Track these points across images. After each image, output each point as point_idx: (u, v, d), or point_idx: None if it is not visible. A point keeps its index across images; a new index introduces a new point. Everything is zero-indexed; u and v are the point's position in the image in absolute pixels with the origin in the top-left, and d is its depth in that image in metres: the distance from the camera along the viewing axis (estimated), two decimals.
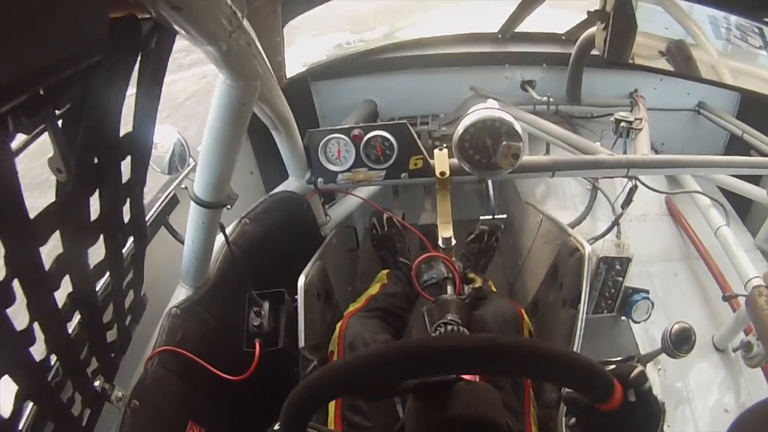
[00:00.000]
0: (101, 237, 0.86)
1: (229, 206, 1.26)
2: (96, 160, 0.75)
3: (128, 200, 0.94)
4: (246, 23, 0.98)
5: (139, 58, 0.74)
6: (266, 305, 1.38)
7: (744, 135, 2.51)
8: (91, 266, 0.87)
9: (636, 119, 2.16)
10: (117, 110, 0.73)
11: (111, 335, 1.07)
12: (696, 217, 2.37)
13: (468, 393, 0.79)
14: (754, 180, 2.35)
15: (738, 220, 2.50)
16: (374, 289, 1.71)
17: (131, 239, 1.08)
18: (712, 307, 2.12)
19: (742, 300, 1.79)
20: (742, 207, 2.58)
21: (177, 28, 0.75)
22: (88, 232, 0.81)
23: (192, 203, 1.22)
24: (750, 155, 2.41)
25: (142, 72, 0.77)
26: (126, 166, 0.87)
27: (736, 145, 2.66)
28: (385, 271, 1.84)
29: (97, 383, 1.03)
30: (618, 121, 2.13)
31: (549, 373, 0.72)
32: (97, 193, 0.80)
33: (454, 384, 0.78)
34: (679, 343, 1.31)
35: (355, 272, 2.31)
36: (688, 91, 2.72)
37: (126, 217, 0.96)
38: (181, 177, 1.62)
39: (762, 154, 2.37)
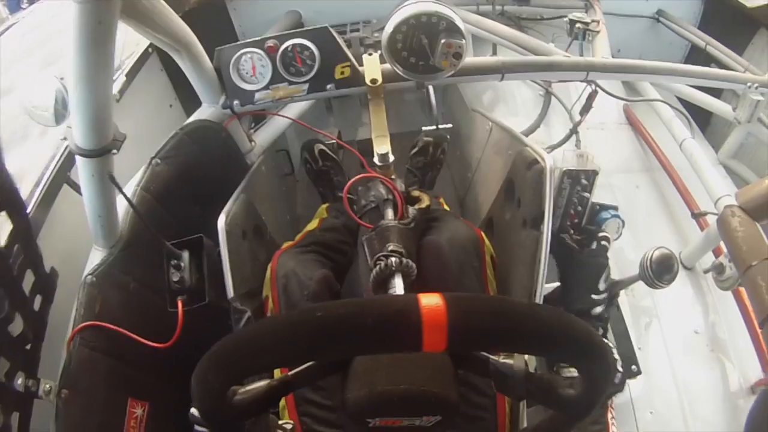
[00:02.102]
0: None
1: (115, 150, 1.06)
2: None
3: None
4: None
5: None
6: (185, 256, 1.21)
7: (707, 47, 2.41)
8: None
9: (593, 21, 2.01)
10: None
11: (17, 327, 0.98)
12: (657, 128, 2.28)
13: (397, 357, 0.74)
14: (715, 93, 2.26)
15: (700, 134, 2.43)
16: (312, 225, 1.53)
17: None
18: (677, 223, 2.06)
19: (711, 219, 1.72)
20: (701, 121, 2.51)
21: None
22: None
23: (76, 156, 1.03)
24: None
25: None
26: None
27: (696, 58, 2.56)
28: (325, 205, 1.66)
29: (18, 382, 0.93)
30: (573, 22, 1.98)
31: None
32: None
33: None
34: (661, 271, 1.22)
35: (294, 199, 2.16)
36: None
37: None
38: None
39: (723, 67, 2.27)
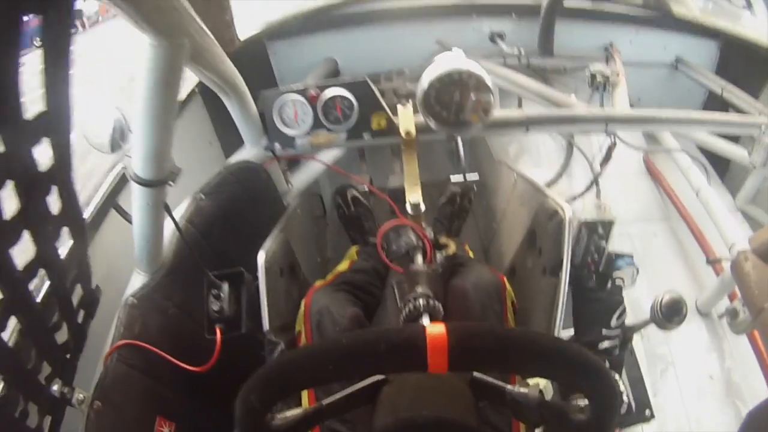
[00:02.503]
0: (25, 234, 0.78)
1: (171, 182, 1.14)
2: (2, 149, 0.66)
3: (55, 189, 0.85)
4: None
5: (39, 22, 0.65)
6: (225, 287, 1.27)
7: (724, 92, 2.43)
8: (21, 267, 0.79)
9: (612, 72, 2.09)
10: (12, 85, 0.63)
11: (62, 337, 1.01)
12: (675, 177, 2.32)
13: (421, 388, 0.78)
14: (733, 139, 2.29)
15: (718, 181, 2.46)
16: (343, 266, 1.60)
17: (66, 231, 0.99)
18: (694, 270, 2.08)
19: (726, 264, 1.73)
20: (720, 167, 2.53)
21: None
22: (6, 230, 0.73)
23: (133, 183, 1.11)
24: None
25: (45, 39, 0.68)
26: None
27: (714, 103, 2.57)
28: (355, 247, 1.74)
29: (55, 387, 0.97)
30: (593, 75, 2.06)
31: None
32: (11, 186, 0.71)
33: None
34: (670, 314, 1.24)
35: (325, 241, 2.22)
36: (665, 45, 2.63)
37: (56, 209, 0.88)
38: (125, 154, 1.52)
39: (741, 112, 2.29)
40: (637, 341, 1.77)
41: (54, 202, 0.87)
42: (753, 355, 1.71)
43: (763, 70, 2.38)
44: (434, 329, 0.62)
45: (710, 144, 2.29)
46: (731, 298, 1.81)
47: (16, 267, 0.78)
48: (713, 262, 1.91)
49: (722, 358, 1.81)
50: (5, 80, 0.62)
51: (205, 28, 1.12)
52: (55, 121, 0.77)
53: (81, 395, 1.01)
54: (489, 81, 1.35)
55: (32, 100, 0.70)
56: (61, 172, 0.85)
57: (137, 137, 1.06)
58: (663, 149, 2.35)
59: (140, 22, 0.88)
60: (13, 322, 0.83)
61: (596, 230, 1.52)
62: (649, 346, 1.80)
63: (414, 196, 1.34)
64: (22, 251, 0.79)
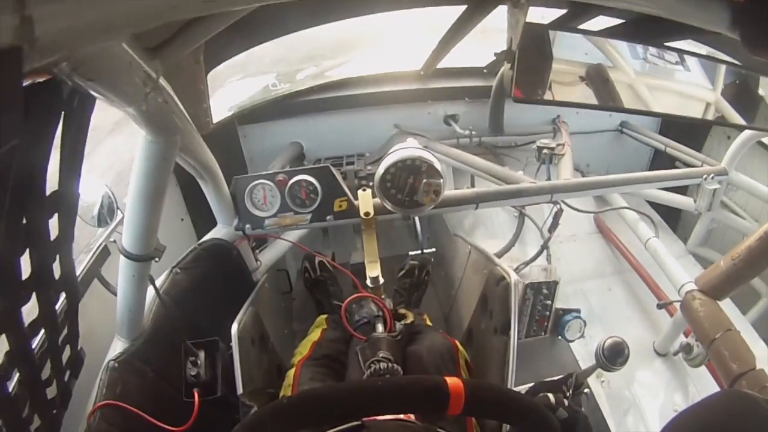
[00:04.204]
0: (33, 295, 0.86)
1: (157, 259, 1.25)
2: (24, 221, 0.75)
3: (58, 257, 0.93)
4: (162, 81, 0.99)
5: (62, 118, 0.74)
6: (202, 354, 1.38)
7: (667, 149, 2.66)
8: (26, 324, 0.87)
9: (558, 145, 2.27)
10: (42, 170, 0.73)
11: (51, 392, 1.06)
12: (625, 232, 2.48)
13: None
14: (681, 190, 2.49)
15: (668, 229, 2.64)
16: (316, 335, 1.70)
17: (63, 295, 1.07)
18: (649, 316, 2.21)
19: (677, 305, 1.86)
20: (672, 216, 2.72)
21: (91, 92, 0.75)
22: (21, 291, 0.81)
23: (121, 256, 1.21)
24: (676, 166, 2.57)
25: (66, 131, 0.77)
26: (54, 223, 0.87)
27: (660, 158, 2.81)
28: (324, 317, 1.84)
29: None
30: (540, 149, 2.24)
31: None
32: (27, 253, 0.79)
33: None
34: (613, 357, 1.34)
35: (291, 314, 2.30)
36: (610, 113, 2.82)
37: (56, 274, 0.96)
38: (110, 229, 1.60)
39: (686, 164, 2.51)
40: (597, 388, 1.89)
41: (56, 269, 0.95)
42: (714, 385, 1.81)
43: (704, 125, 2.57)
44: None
45: (659, 197, 2.49)
46: (686, 334, 1.93)
47: (24, 324, 0.85)
48: (665, 305, 2.02)
49: (686, 392, 1.91)
50: (40, 166, 0.71)
51: (191, 122, 1.24)
52: (65, 199, 0.85)
53: None
54: (438, 165, 1.51)
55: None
56: (65, 243, 0.93)
57: (130, 217, 1.17)
58: (610, 209, 2.52)
59: (144, 124, 1.01)
60: (15, 374, 0.90)
61: (541, 291, 1.66)
62: (611, 392, 1.90)
63: (374, 271, 1.47)
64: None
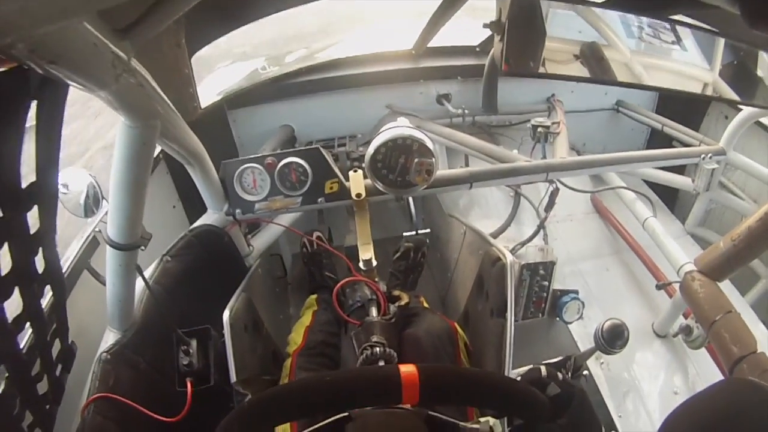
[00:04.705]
0: (17, 290, 0.84)
1: (143, 247, 1.22)
2: (1, 214, 0.73)
3: (41, 249, 0.91)
4: (136, 64, 0.95)
5: (34, 107, 0.72)
6: (194, 343, 1.36)
7: (664, 128, 2.64)
8: (10, 320, 0.85)
9: (553, 123, 2.24)
10: (15, 162, 0.70)
11: (42, 388, 1.05)
12: (623, 212, 2.47)
13: (381, 425, 0.86)
14: (679, 170, 2.46)
15: (666, 210, 2.63)
16: (307, 318, 1.68)
17: (48, 289, 1.05)
18: (647, 297, 2.20)
19: (676, 286, 1.85)
20: (670, 196, 2.70)
21: (56, 74, 0.72)
22: (2, 287, 0.79)
23: (107, 247, 1.19)
24: (673, 146, 2.54)
25: (39, 120, 0.76)
26: (35, 216, 0.85)
27: (657, 138, 2.78)
28: (314, 297, 1.83)
29: None
30: (535, 127, 2.20)
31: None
32: (6, 247, 0.78)
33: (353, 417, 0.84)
34: (612, 339, 1.33)
35: (286, 299, 2.29)
36: (605, 92, 2.83)
37: (40, 267, 0.94)
38: (97, 219, 1.60)
39: (683, 144, 2.49)
40: (596, 370, 1.88)
41: (39, 262, 0.92)
42: (714, 366, 1.81)
43: (701, 104, 2.57)
44: (406, 368, 0.77)
45: (654, 177, 2.47)
46: (685, 316, 1.91)
47: (8, 320, 0.83)
48: (664, 286, 2.01)
49: (685, 374, 1.90)
50: (11, 158, 0.69)
51: (172, 107, 1.21)
52: (44, 190, 0.83)
53: None
54: (430, 144, 1.48)
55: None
56: (46, 235, 0.90)
57: (113, 206, 1.14)
58: (607, 188, 2.51)
59: (120, 108, 0.98)
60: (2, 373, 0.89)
61: (538, 271, 1.63)
62: (610, 374, 1.89)
63: (366, 253, 1.44)
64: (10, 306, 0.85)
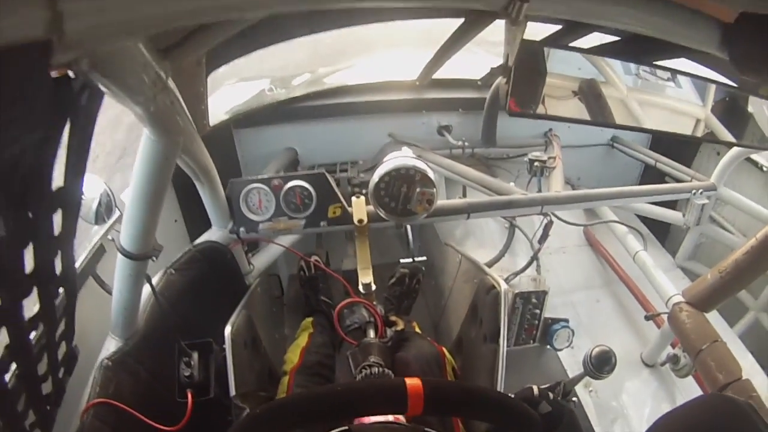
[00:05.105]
0: (35, 289, 0.85)
1: (154, 258, 1.26)
2: (30, 215, 0.74)
3: (59, 253, 0.92)
4: (171, 83, 1.00)
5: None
6: (195, 355, 1.37)
7: (657, 164, 2.71)
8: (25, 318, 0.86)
9: (549, 158, 2.30)
10: (50, 166, 0.72)
11: (46, 388, 1.06)
12: (614, 245, 2.52)
13: None
14: (670, 204, 2.52)
15: (657, 243, 2.69)
16: (303, 339, 1.71)
17: (62, 291, 1.05)
18: (636, 327, 2.25)
19: (665, 317, 1.90)
20: (661, 230, 2.76)
21: (104, 89, 0.76)
22: (23, 285, 0.80)
23: (119, 255, 1.21)
24: (665, 181, 2.61)
25: (73, 128, 0.76)
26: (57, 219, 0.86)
27: (650, 173, 2.86)
28: (309, 320, 1.86)
29: None
30: (532, 161, 2.26)
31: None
32: (31, 247, 0.78)
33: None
34: (600, 365, 1.37)
35: (282, 319, 2.31)
36: (601, 128, 2.88)
37: (57, 270, 0.95)
38: (107, 227, 1.61)
39: (675, 179, 2.56)
40: (585, 397, 1.91)
41: (58, 264, 0.94)
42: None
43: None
44: (411, 381, 0.82)
45: (648, 211, 2.53)
46: (673, 345, 1.95)
47: (24, 318, 0.84)
48: (652, 316, 2.06)
49: (673, 402, 1.93)
50: (48, 162, 0.69)
51: (193, 124, 1.25)
52: (69, 196, 0.84)
53: None
54: (432, 175, 1.53)
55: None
56: (66, 239, 0.91)
57: (129, 216, 1.17)
58: (599, 222, 2.56)
59: (150, 123, 1.01)
60: (12, 368, 0.89)
61: (530, 300, 1.69)
62: (599, 401, 1.92)
63: (366, 277, 1.48)
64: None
